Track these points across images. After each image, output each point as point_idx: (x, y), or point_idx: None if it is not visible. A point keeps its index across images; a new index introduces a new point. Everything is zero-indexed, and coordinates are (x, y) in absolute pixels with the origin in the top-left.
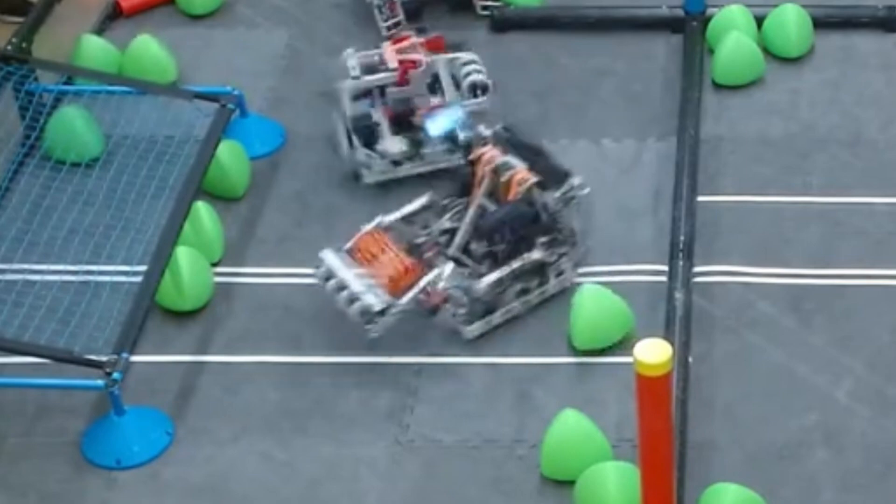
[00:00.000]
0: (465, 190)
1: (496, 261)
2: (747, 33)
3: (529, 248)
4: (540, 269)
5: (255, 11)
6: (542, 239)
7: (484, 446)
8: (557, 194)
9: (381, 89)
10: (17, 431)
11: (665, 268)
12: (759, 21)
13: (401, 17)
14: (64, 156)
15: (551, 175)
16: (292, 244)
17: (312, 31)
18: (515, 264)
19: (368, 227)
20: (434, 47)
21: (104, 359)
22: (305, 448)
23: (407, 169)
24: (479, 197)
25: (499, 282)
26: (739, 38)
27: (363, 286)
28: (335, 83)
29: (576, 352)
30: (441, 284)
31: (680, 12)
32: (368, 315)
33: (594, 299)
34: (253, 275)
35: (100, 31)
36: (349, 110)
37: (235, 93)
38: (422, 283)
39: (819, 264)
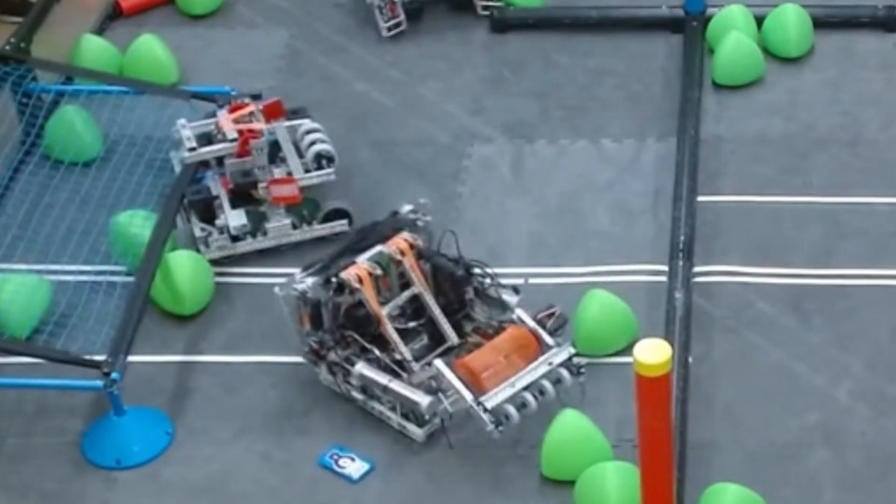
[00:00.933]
0: (367, 324)
1: (458, 309)
2: (747, 33)
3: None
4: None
5: (255, 11)
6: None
7: (484, 446)
8: (420, 224)
9: (219, 160)
10: (17, 431)
11: (665, 268)
12: (759, 21)
13: (401, 17)
14: (62, 155)
15: (400, 225)
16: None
17: (312, 31)
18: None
19: (453, 374)
20: (272, 114)
21: (101, 359)
22: (305, 448)
23: (248, 244)
24: (384, 310)
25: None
26: (739, 38)
27: (538, 370)
28: (170, 153)
29: (580, 354)
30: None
31: (680, 12)
32: (574, 367)
33: (600, 305)
34: (253, 275)
35: (100, 31)
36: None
37: (233, 93)
38: (528, 319)
39: (819, 264)
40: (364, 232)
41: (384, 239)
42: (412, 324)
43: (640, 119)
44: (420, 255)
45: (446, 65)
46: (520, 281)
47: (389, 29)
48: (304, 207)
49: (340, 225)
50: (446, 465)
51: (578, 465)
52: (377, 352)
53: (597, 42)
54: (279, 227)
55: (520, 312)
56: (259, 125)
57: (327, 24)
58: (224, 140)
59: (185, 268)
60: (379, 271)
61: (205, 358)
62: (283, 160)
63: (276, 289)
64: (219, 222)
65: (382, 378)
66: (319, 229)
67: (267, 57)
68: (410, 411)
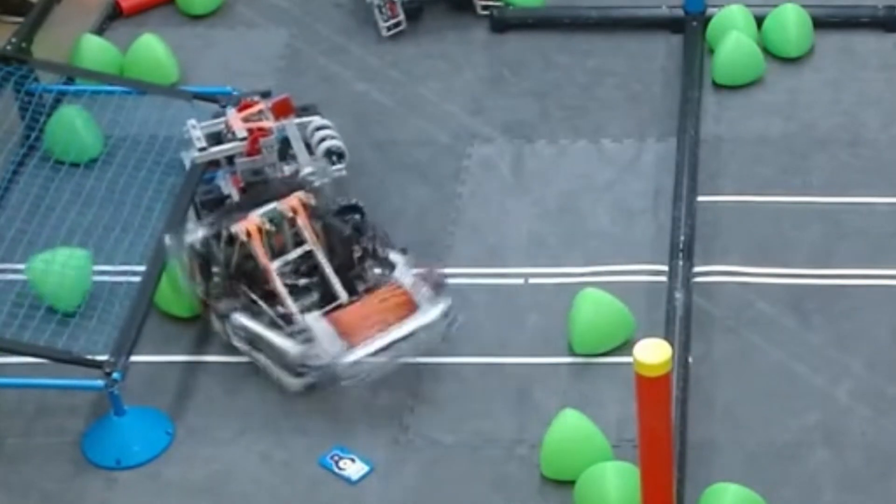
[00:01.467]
0: (255, 278)
1: (350, 267)
2: (747, 33)
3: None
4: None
5: (255, 11)
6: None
7: (484, 446)
8: (318, 184)
9: (230, 159)
10: (17, 431)
11: (665, 268)
12: (759, 21)
13: (401, 17)
14: (63, 156)
15: (290, 185)
16: None
17: (312, 31)
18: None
19: (322, 324)
20: (281, 111)
21: (103, 359)
22: (305, 448)
23: None
24: (297, 250)
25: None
26: (739, 38)
27: (409, 327)
28: (181, 153)
29: (575, 353)
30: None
31: (680, 12)
32: (446, 319)
33: (594, 304)
34: None
35: (100, 31)
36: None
37: (235, 93)
38: (407, 278)
39: (819, 264)
40: (259, 189)
41: (279, 196)
42: (303, 280)
43: (640, 119)
44: (313, 213)
45: (446, 65)
46: (520, 281)
47: (389, 29)
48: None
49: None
50: (446, 465)
51: (578, 465)
52: (264, 305)
53: (597, 42)
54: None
55: (399, 272)
56: (268, 123)
57: (327, 24)
58: (234, 139)
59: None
60: (269, 226)
61: (205, 358)
62: (294, 157)
63: (167, 238)
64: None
65: (258, 327)
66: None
67: (267, 57)
68: (283, 361)
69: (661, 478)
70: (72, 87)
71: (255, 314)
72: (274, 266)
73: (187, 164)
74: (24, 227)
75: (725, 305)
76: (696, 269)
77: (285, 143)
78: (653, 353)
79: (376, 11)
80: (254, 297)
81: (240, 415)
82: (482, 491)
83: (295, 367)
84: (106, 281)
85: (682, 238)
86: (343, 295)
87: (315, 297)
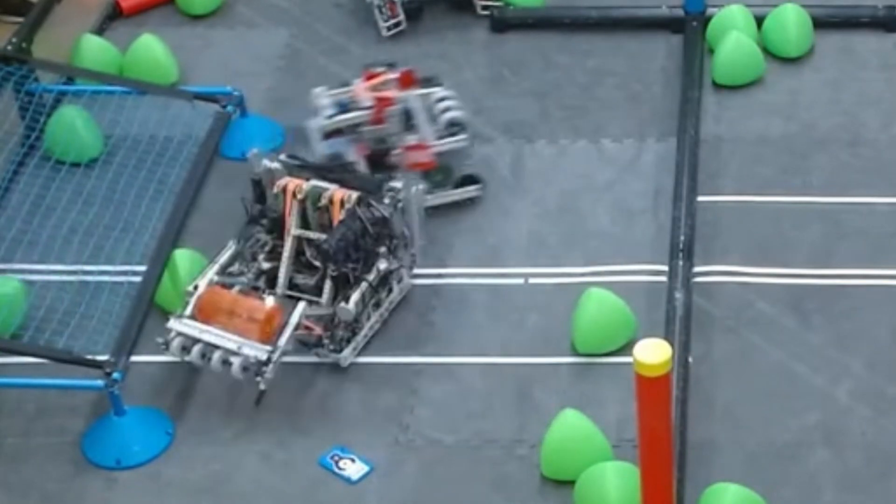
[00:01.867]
0: (274, 226)
1: (346, 282)
2: (747, 33)
3: (374, 261)
4: (385, 280)
5: (255, 11)
6: (382, 249)
7: (484, 446)
8: (386, 201)
9: (355, 127)
10: (17, 431)
11: (665, 268)
12: (759, 21)
13: (401, 17)
14: (64, 156)
15: (367, 185)
16: None
17: (312, 31)
18: (370, 277)
19: (201, 287)
20: (406, 83)
21: (104, 359)
22: (305, 448)
23: None
24: (293, 230)
25: (362, 299)
26: (739, 38)
27: (234, 343)
28: (306, 121)
29: (576, 352)
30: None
31: (680, 12)
32: (255, 367)
33: (598, 304)
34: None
35: (100, 31)
36: (321, 150)
37: (235, 93)
38: (294, 318)
39: (819, 264)
40: (343, 168)
41: (344, 184)
42: (317, 263)
43: (640, 119)
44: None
45: (446, 65)
46: (520, 281)
47: (389, 29)
48: (438, 173)
49: (473, 190)
50: (446, 465)
51: (578, 465)
52: (262, 259)
53: (597, 42)
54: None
55: (298, 307)
56: (393, 93)
57: (327, 24)
58: (360, 108)
59: (185, 266)
60: (301, 196)
61: None
62: (416, 127)
63: (253, 151)
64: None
65: (211, 271)
66: (453, 194)
67: (267, 57)
68: None
69: (661, 478)
70: (72, 87)
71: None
72: (294, 231)
73: (314, 132)
74: (24, 228)
75: (725, 305)
76: (696, 269)
77: (407, 113)
78: (653, 353)
79: (376, 11)
80: (264, 242)
81: (240, 415)
82: (482, 491)
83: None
84: (106, 281)
85: (682, 238)
86: (325, 296)
87: (311, 282)
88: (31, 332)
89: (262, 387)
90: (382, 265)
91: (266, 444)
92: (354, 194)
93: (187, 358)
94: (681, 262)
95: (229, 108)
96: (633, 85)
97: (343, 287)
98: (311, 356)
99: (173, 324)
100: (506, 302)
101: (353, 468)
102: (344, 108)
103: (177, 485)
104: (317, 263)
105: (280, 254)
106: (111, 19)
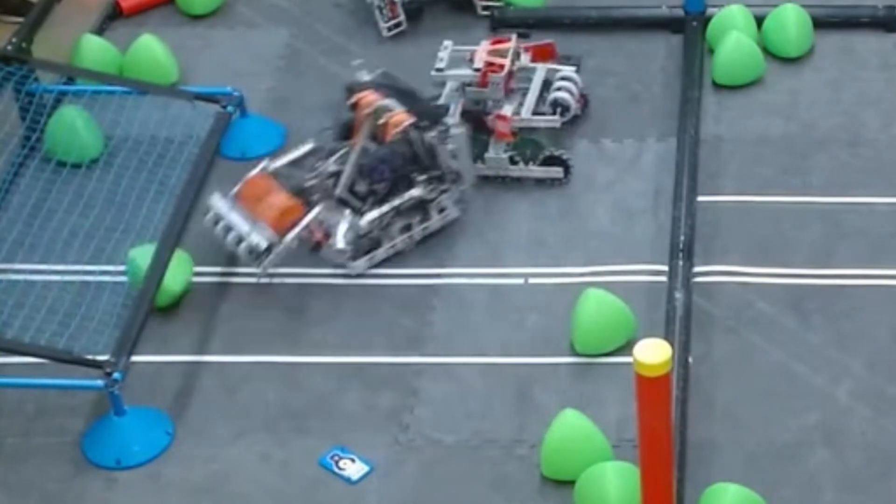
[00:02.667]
0: (348, 134)
1: (379, 199)
2: (747, 33)
3: (409, 186)
4: (421, 206)
5: (255, 11)
6: (422, 177)
7: (484, 446)
8: (434, 133)
9: (461, 85)
10: (17, 431)
11: (665, 268)
12: (759, 21)
13: (401, 17)
14: (64, 156)
15: (427, 116)
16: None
17: (312, 31)
18: (396, 201)
19: (254, 172)
20: (541, 55)
21: (104, 359)
22: (305, 448)
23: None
24: (361, 139)
25: (381, 218)
26: (739, 38)
27: (249, 226)
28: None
29: (576, 352)
30: (322, 222)
31: (680, 12)
32: (255, 253)
33: (597, 304)
34: (252, 274)
35: (100, 31)
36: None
37: (235, 93)
38: (305, 220)
39: (819, 264)
40: (413, 96)
41: (408, 108)
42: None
43: (640, 119)
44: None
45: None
46: (520, 281)
47: (389, 29)
48: (528, 147)
49: (555, 171)
50: (446, 465)
51: (578, 465)
52: (332, 161)
53: (597, 42)
54: (497, 158)
55: (341, 230)
56: (505, 61)
57: (327, 24)
58: (470, 68)
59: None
60: (368, 111)
61: (205, 358)
62: (520, 98)
63: (357, 62)
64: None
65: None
66: (535, 171)
67: (267, 57)
68: None
69: (661, 478)
70: (72, 88)
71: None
72: (359, 142)
73: (448, 84)
74: (25, 229)
75: (725, 305)
76: (696, 269)
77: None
78: (653, 353)
79: (376, 11)
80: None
81: (240, 415)
82: (482, 491)
83: None
84: (107, 281)
85: (682, 238)
86: (315, 210)
87: (363, 189)
88: (31, 332)
89: (260, 274)
90: (416, 192)
91: (266, 444)
92: (407, 120)
93: (215, 231)
94: (681, 262)
95: (229, 108)
96: (633, 85)
97: (379, 202)
98: (305, 355)
99: (214, 200)
100: (506, 302)
101: (353, 468)
102: (460, 64)
103: (177, 485)
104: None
105: (347, 160)
106: (111, 19)
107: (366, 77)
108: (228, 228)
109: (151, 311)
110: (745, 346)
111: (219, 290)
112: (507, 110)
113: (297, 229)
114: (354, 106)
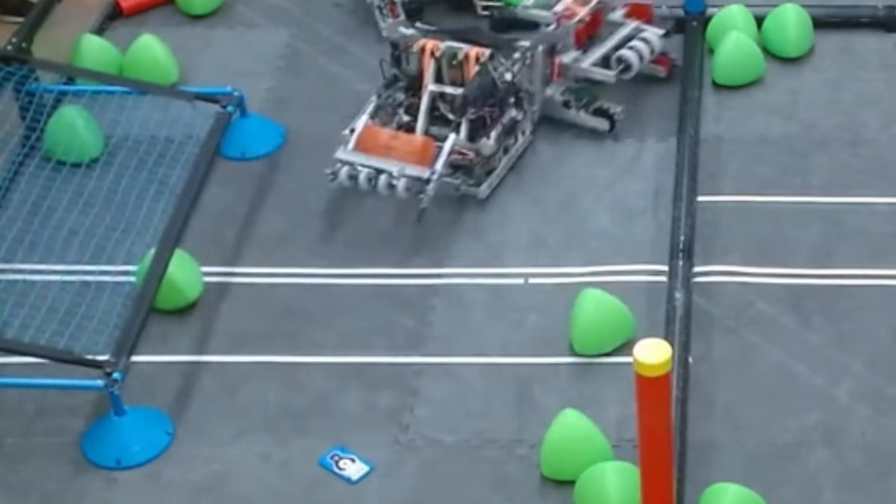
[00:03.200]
0: (411, 84)
1: (483, 124)
2: (747, 33)
3: (505, 108)
4: (512, 129)
5: (255, 11)
6: (512, 99)
7: (484, 446)
8: (517, 56)
9: (536, 25)
10: (17, 431)
11: (665, 268)
12: (759, 21)
13: (401, 17)
14: (64, 156)
15: (497, 44)
16: (292, 244)
17: (312, 31)
18: (505, 121)
19: (359, 127)
20: (639, 14)
21: (104, 359)
22: (305, 448)
23: None
24: (430, 85)
25: (498, 137)
26: (739, 38)
27: (397, 168)
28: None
29: (576, 352)
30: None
31: (680, 12)
32: (419, 185)
33: (596, 304)
34: (252, 274)
35: (100, 31)
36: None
37: (236, 93)
38: (447, 146)
39: (819, 264)
40: (475, 31)
41: (477, 43)
42: (451, 115)
43: (640, 119)
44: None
45: None
46: (520, 281)
47: None
48: (586, 94)
49: (602, 124)
50: (446, 465)
51: (578, 465)
52: (401, 106)
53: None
54: (552, 99)
55: (450, 138)
56: (582, 10)
57: (327, 24)
58: (549, 9)
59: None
60: (439, 55)
61: (205, 358)
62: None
63: (389, 21)
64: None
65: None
66: (583, 118)
67: (267, 57)
68: None
69: (661, 478)
70: (72, 88)
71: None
72: (430, 87)
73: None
74: (25, 228)
75: (725, 305)
76: (696, 269)
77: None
78: (653, 353)
79: (376, 11)
80: (405, 96)
81: (240, 415)
82: (482, 491)
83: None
84: (108, 281)
85: (682, 238)
86: (462, 139)
87: (446, 132)
88: (31, 332)
89: (423, 205)
90: (512, 113)
91: (266, 444)
92: (487, 51)
93: (355, 184)
94: (681, 262)
95: (229, 108)
96: (632, 85)
97: (479, 130)
98: (305, 355)
99: (340, 154)
100: (506, 302)
101: (353, 468)
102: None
103: (177, 485)
104: (451, 116)
105: (417, 109)
106: (111, 19)
107: (408, 30)
108: (373, 175)
109: (150, 310)
110: (745, 346)
111: (219, 290)
112: (568, 57)
113: (444, 157)
114: (417, 54)
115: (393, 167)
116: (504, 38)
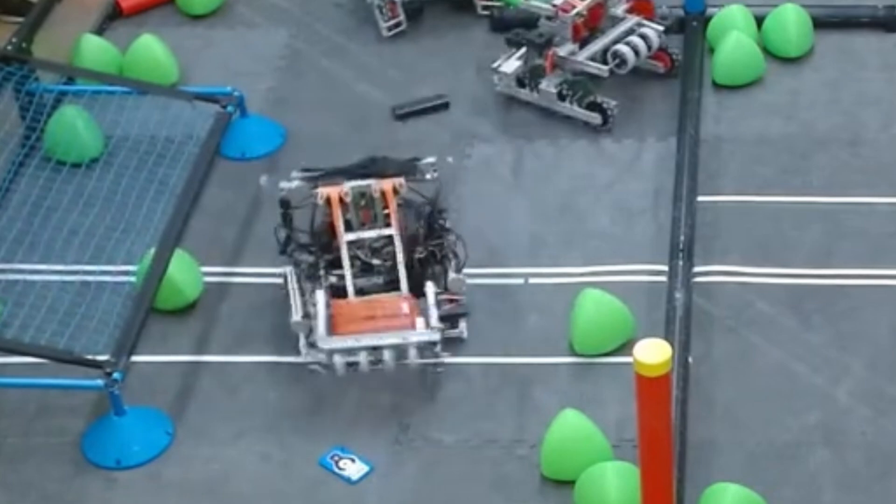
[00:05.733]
0: (323, 242)
1: (431, 261)
2: (747, 33)
3: (444, 234)
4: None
5: (255, 11)
6: (443, 221)
7: (484, 446)
8: (429, 176)
9: (535, 17)
10: (17, 431)
11: (665, 268)
12: (759, 21)
13: (401, 17)
14: (64, 156)
15: (405, 170)
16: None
17: (312, 31)
18: (452, 248)
19: (307, 316)
20: (639, 9)
21: (104, 359)
22: (305, 448)
23: (526, 94)
24: (344, 236)
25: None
26: (739, 38)
27: (397, 337)
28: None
29: (576, 352)
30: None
31: (680, 12)
32: (430, 348)
33: (595, 304)
34: (252, 274)
35: (100, 31)
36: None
37: (236, 94)
38: (430, 297)
39: (819, 264)
40: (373, 162)
41: (383, 175)
42: (376, 261)
43: (640, 119)
44: (404, 203)
45: (446, 65)
46: (520, 281)
47: (389, 29)
48: (581, 87)
49: (594, 118)
50: (446, 465)
51: (578, 465)
52: (321, 269)
53: None
54: (548, 91)
55: (429, 288)
56: (581, 4)
57: (327, 24)
58: (548, 2)
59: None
60: (349, 199)
61: (205, 358)
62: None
63: (262, 178)
64: (502, 65)
65: (291, 283)
66: (576, 111)
67: (267, 57)
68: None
69: (661, 478)
70: (72, 88)
71: (314, 276)
72: (347, 238)
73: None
74: (25, 228)
75: (725, 305)
76: (696, 269)
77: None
78: (653, 353)
79: (376, 11)
80: (315, 257)
81: (240, 415)
82: (482, 491)
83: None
84: (108, 281)
85: (682, 238)
86: (404, 287)
87: (380, 281)
88: (31, 332)
89: (440, 370)
90: (451, 237)
91: (266, 444)
92: (398, 180)
93: (361, 365)
94: (681, 262)
95: (229, 108)
96: (633, 85)
97: (427, 268)
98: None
99: (325, 344)
100: (506, 302)
101: (353, 468)
102: None
103: (177, 485)
104: (375, 262)
105: (338, 265)
106: (111, 19)
107: (292, 184)
108: (374, 354)
109: (150, 310)
110: (745, 346)
111: (219, 291)
112: (563, 50)
113: (434, 311)
114: (327, 204)
115: (392, 338)
116: (403, 160)
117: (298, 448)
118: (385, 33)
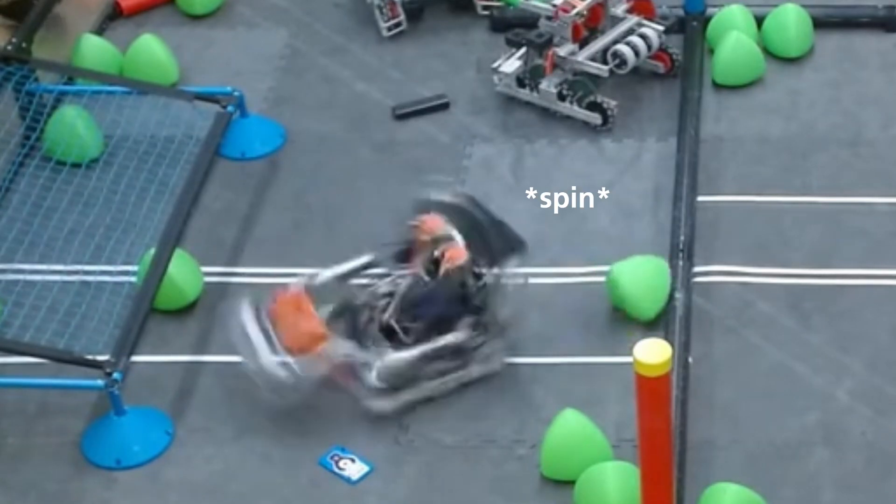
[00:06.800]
0: (406, 257)
1: (418, 338)
2: (747, 33)
3: (450, 330)
4: (460, 352)
5: (255, 11)
6: (466, 321)
7: (484, 446)
8: (489, 279)
9: (535, 17)
10: (17, 431)
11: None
12: (759, 21)
13: (401, 17)
14: (64, 156)
15: (488, 256)
16: (291, 244)
17: (312, 31)
18: (431, 345)
19: (299, 282)
20: (641, 10)
21: (104, 359)
22: (305, 448)
23: (526, 95)
24: (416, 266)
25: (412, 361)
26: (739, 38)
27: (269, 350)
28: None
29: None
30: (339, 355)
31: (680, 12)
32: (280, 388)
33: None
34: (252, 275)
35: (100, 31)
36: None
37: (236, 93)
38: (319, 351)
39: (819, 264)
40: (489, 229)
41: (472, 245)
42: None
43: (640, 119)
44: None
45: (446, 65)
46: (520, 281)
47: (389, 29)
48: (581, 87)
49: (594, 118)
50: (446, 465)
51: (578, 465)
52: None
53: None
54: (548, 91)
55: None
56: (581, 4)
57: (327, 24)
58: (549, 3)
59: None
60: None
61: (205, 358)
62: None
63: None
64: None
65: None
66: (576, 112)
67: (267, 57)
68: None
69: (661, 478)
70: (72, 88)
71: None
72: (413, 271)
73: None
74: (25, 228)
75: (725, 305)
76: (696, 269)
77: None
78: (653, 353)
79: (376, 11)
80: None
81: (240, 415)
82: (482, 491)
83: None
84: (107, 281)
85: (682, 238)
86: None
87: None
88: (31, 332)
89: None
90: (452, 338)
91: (266, 444)
92: (462, 259)
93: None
94: (681, 262)
95: (230, 108)
96: (633, 85)
97: (417, 341)
98: None
99: (243, 311)
100: (505, 302)
101: (353, 468)
102: None
103: (177, 485)
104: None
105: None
106: (111, 19)
107: (443, 197)
108: (250, 346)
109: (150, 310)
110: (744, 346)
111: (219, 290)
112: (563, 50)
113: (318, 369)
114: (416, 228)
115: (267, 349)
116: (507, 248)
117: (298, 448)
118: (385, 33)
